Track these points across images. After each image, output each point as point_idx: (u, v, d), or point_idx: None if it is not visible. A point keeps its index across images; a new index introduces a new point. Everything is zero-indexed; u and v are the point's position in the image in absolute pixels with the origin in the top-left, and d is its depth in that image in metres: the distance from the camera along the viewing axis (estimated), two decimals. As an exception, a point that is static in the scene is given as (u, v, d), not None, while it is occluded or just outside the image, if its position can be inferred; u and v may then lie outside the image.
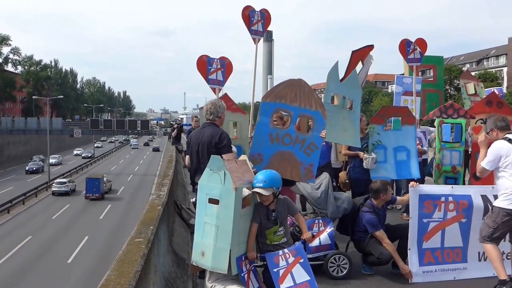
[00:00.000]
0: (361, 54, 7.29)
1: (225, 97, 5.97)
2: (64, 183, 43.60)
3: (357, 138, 6.15)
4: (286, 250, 3.79)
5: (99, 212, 35.78)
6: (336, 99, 6.00)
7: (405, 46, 7.16)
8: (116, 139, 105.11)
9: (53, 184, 43.66)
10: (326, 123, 5.28)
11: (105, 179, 43.43)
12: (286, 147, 5.21)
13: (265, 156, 5.14)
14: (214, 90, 6.17)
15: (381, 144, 6.24)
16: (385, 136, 6.29)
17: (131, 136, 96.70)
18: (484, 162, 4.37)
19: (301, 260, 3.73)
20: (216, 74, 6.13)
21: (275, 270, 3.69)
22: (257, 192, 3.77)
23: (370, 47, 7.47)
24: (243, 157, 4.13)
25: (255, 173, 3.94)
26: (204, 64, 6.11)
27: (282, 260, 3.73)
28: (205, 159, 4.34)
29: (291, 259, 3.73)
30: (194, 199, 5.21)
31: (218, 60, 6.13)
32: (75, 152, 79.61)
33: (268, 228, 3.89)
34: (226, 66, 6.20)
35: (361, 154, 6.38)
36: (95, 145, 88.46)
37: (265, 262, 3.80)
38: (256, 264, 3.83)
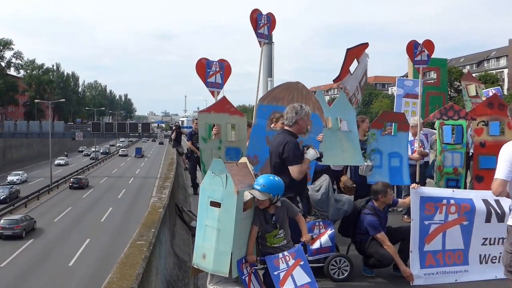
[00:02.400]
0: (356, 52, 7.27)
1: (224, 99, 5.94)
2: (125, 151, 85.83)
3: (359, 157, 6.08)
4: (286, 253, 3.78)
5: (102, 212, 35.90)
6: (329, 122, 6.00)
7: (412, 48, 7.09)
8: (96, 148, 76.10)
9: (119, 151, 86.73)
10: (322, 147, 5.24)
11: (142, 149, 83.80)
12: None
13: (261, 158, 5.14)
14: (213, 93, 6.11)
15: (378, 151, 6.28)
16: (382, 141, 6.30)
17: (131, 138, 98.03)
18: (502, 174, 3.32)
19: (302, 263, 3.72)
20: (215, 77, 6.02)
21: (275, 273, 3.68)
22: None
23: (365, 44, 7.45)
24: (244, 159, 4.13)
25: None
26: (203, 67, 6.02)
27: (282, 263, 3.72)
28: (274, 169, 4.27)
29: (291, 262, 3.71)
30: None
31: (217, 63, 6.05)
32: (9, 178, 50.20)
33: (268, 232, 3.88)
34: (225, 68, 6.09)
35: None
36: (56, 161, 63.90)
37: (265, 265, 3.80)
38: (256, 267, 3.83)
